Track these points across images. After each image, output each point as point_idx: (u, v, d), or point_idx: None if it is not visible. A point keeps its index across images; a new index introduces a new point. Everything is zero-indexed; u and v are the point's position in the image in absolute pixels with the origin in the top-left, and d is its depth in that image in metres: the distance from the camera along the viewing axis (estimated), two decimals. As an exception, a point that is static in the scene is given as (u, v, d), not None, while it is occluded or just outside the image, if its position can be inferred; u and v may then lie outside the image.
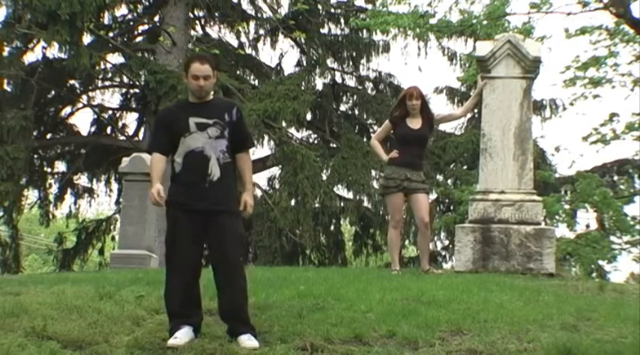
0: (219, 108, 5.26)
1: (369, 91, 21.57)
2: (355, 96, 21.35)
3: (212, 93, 5.39)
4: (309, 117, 20.28)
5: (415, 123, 8.54)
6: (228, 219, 5.10)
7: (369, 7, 19.08)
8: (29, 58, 19.03)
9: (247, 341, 4.99)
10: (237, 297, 5.11)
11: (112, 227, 20.73)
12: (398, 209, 8.59)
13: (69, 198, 21.27)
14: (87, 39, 18.16)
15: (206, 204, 5.06)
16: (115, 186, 21.01)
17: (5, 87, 18.51)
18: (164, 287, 5.21)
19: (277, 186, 19.37)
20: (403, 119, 8.56)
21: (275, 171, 19.84)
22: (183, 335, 4.99)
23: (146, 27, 21.00)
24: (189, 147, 5.12)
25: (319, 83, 20.69)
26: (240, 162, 5.27)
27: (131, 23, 20.88)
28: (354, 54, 21.02)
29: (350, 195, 20.14)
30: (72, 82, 19.78)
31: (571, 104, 18.52)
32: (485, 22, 15.72)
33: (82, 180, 21.54)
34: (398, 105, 8.70)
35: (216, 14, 20.79)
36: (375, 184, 19.43)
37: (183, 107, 5.40)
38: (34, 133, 18.85)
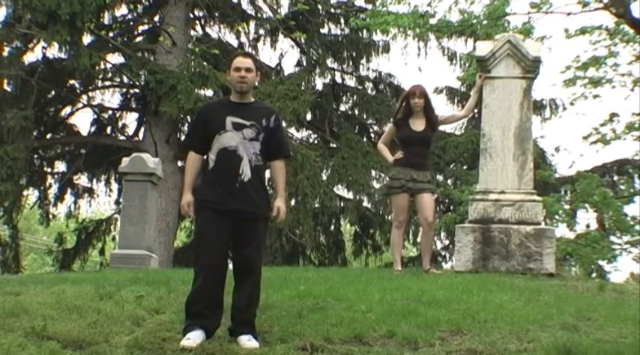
0: (259, 113, 5.29)
1: (369, 91, 21.56)
2: (355, 96, 21.35)
3: (253, 98, 5.41)
4: (309, 117, 20.27)
5: (418, 125, 8.55)
6: (254, 223, 5.15)
7: (369, 7, 19.07)
8: (29, 58, 19.04)
9: (247, 341, 4.98)
10: (249, 296, 5.15)
11: (112, 227, 20.72)
12: (402, 210, 8.60)
13: (69, 198, 21.25)
14: (87, 39, 18.15)
15: (235, 204, 5.10)
16: (115, 186, 20.99)
17: (5, 87, 18.49)
18: (191, 286, 5.20)
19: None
20: (406, 120, 8.57)
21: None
22: (196, 337, 4.97)
23: (146, 27, 20.99)
24: (223, 144, 5.16)
25: (319, 83, 20.70)
26: (273, 169, 5.32)
27: (131, 23, 20.86)
28: (354, 54, 21.01)
29: (350, 195, 20.15)
30: (72, 82, 19.75)
31: (571, 104, 18.54)
32: (485, 22, 15.72)
33: (82, 180, 21.53)
34: (401, 106, 8.72)
35: (216, 14, 20.78)
36: (375, 184, 19.43)
37: (223, 105, 5.46)
38: (34, 133, 18.82)
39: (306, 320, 5.51)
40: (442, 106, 20.82)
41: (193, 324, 5.04)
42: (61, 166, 21.24)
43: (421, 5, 16.23)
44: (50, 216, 21.21)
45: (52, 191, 21.03)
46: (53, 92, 19.75)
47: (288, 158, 5.54)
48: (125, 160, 12.57)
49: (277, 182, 5.33)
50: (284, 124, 18.04)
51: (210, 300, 5.10)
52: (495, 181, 8.78)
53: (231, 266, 5.38)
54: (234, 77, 5.25)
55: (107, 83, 20.80)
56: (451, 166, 20.20)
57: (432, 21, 16.32)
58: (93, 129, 20.80)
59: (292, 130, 19.98)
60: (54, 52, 18.22)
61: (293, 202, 18.11)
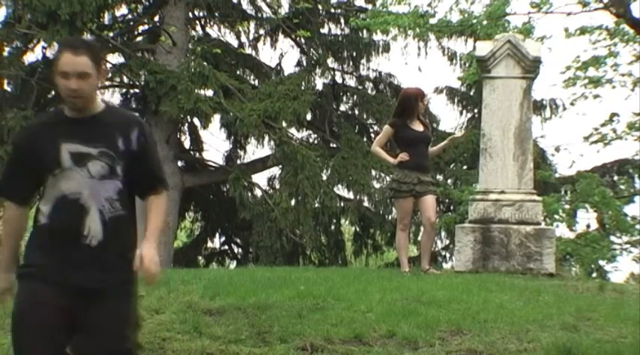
0: (111, 129, 3.34)
1: (369, 91, 21.54)
2: (355, 96, 21.33)
3: (101, 104, 3.41)
4: (309, 117, 20.25)
5: (418, 126, 8.53)
6: (113, 303, 3.37)
7: (369, 7, 19.08)
8: (29, 58, 19.04)
9: None
10: None
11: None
12: (408, 213, 8.59)
13: (69, 198, 21.23)
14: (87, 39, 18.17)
15: (76, 278, 3.28)
16: (115, 186, 20.97)
17: (5, 87, 18.52)
18: None
19: (277, 187, 19.38)
20: (404, 122, 8.52)
21: (275, 171, 19.86)
22: None
23: (146, 27, 21.00)
24: (60, 191, 3.29)
25: (319, 83, 20.67)
26: (149, 204, 3.54)
27: (131, 23, 20.86)
28: (354, 54, 20.99)
29: (350, 195, 20.13)
30: (72, 82, 19.76)
31: (571, 104, 18.56)
32: (485, 22, 15.74)
33: (82, 180, 21.50)
34: (402, 109, 8.59)
35: (216, 14, 20.78)
36: (376, 184, 19.42)
37: (53, 125, 3.38)
38: (34, 133, 18.82)
39: (306, 320, 5.51)
40: (442, 106, 20.87)
41: None
42: (61, 166, 21.23)
43: (421, 5, 16.28)
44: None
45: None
46: (53, 92, 19.75)
47: (167, 191, 3.60)
48: (125, 160, 12.53)
49: (150, 217, 3.55)
50: (284, 124, 18.04)
51: None
52: (495, 181, 8.78)
53: None
54: (61, 87, 3.27)
55: (107, 83, 20.78)
56: (451, 166, 20.20)
57: (432, 21, 16.34)
58: (93, 129, 20.79)
59: (292, 130, 20.00)
60: (54, 52, 18.25)
61: (293, 202, 18.14)
